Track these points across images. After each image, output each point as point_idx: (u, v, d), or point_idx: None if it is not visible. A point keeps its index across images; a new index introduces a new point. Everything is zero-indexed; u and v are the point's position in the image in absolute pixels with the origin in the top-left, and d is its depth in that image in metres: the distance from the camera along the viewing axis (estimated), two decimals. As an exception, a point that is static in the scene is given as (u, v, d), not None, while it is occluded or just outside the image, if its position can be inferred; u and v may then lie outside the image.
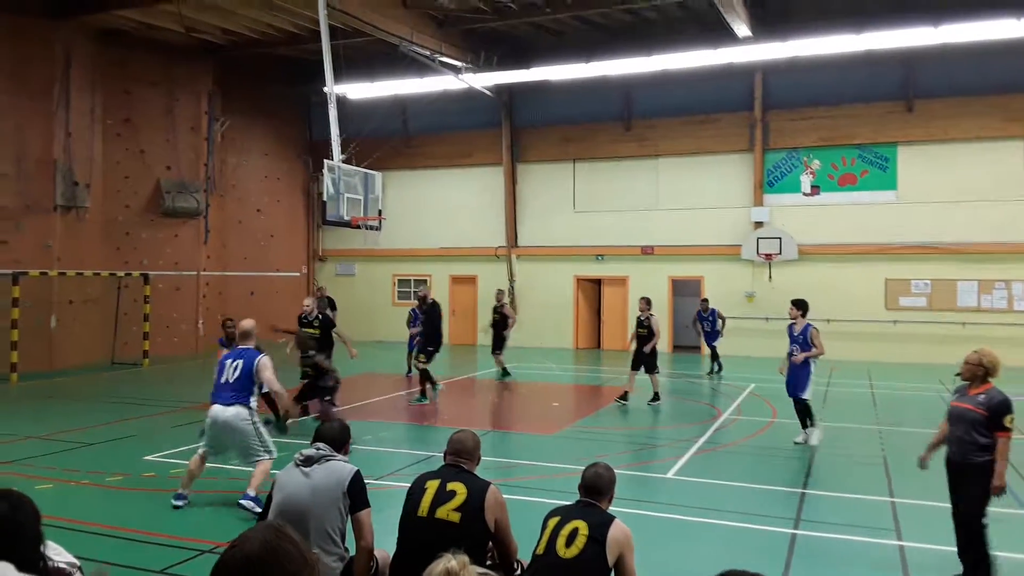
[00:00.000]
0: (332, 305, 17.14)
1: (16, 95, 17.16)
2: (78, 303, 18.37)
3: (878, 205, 19.82)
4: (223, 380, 7.32)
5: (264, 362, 7.39)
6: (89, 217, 18.82)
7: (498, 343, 16.37)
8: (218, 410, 7.29)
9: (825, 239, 20.15)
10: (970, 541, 5.51)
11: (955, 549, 5.59)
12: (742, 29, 16.91)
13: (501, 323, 16.38)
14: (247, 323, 7.79)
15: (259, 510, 6.70)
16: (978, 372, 5.60)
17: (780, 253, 20.12)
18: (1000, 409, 5.42)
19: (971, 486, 5.47)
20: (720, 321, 17.20)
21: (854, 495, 7.91)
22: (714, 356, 16.98)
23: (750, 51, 17.77)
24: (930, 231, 19.29)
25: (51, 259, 17.52)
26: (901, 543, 6.39)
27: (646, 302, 13.54)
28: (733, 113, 20.94)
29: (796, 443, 10.14)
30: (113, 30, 19.09)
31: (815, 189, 20.47)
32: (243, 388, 7.32)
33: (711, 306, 17.35)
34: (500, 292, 17.05)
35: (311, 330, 11.82)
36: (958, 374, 5.79)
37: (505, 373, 16.23)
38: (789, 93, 20.39)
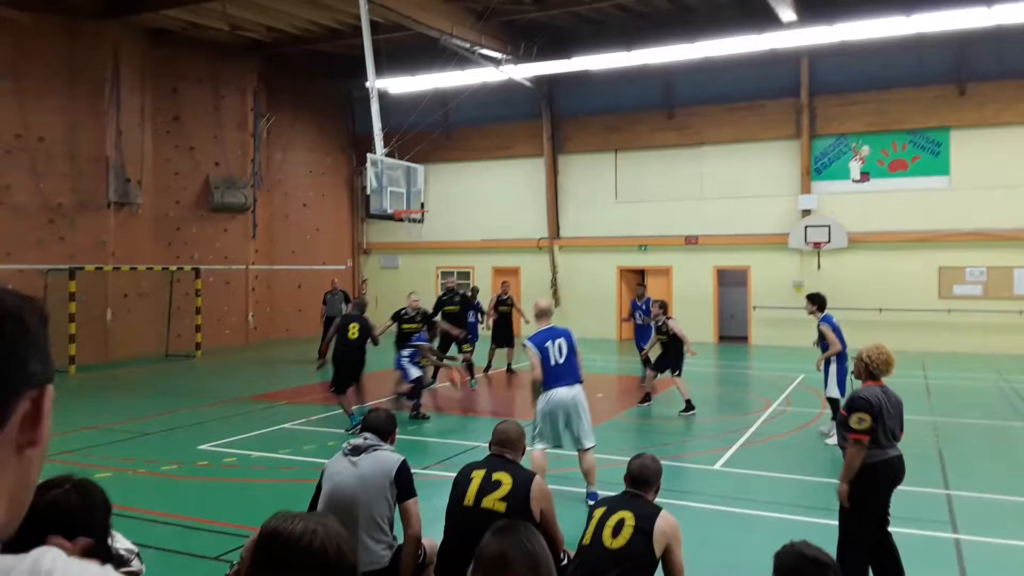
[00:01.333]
0: (347, 299, 17.39)
1: (69, 95, 17.61)
2: (132, 296, 18.86)
3: (930, 191, 19.29)
4: (553, 363, 7.08)
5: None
6: (141, 213, 19.29)
7: (507, 337, 15.53)
8: (565, 392, 7.01)
9: (876, 227, 19.68)
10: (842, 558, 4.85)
11: (1014, 543, 5.42)
12: (787, 14, 16.57)
13: (508, 317, 15.51)
14: (545, 302, 7.70)
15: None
16: (860, 368, 5.27)
17: (829, 241, 19.72)
18: (848, 405, 4.96)
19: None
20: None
21: (908, 487, 7.69)
22: (646, 363, 13.48)
23: (795, 36, 17.38)
24: (985, 217, 18.71)
25: (106, 254, 18.00)
26: (957, 536, 6.25)
27: (660, 306, 11.95)
28: (778, 99, 20.54)
29: (820, 432, 9.99)
30: (161, 29, 19.49)
31: (865, 176, 20.00)
32: (576, 365, 7.20)
33: (647, 295, 14.71)
34: (505, 283, 16.48)
35: (413, 326, 12.36)
36: (852, 371, 5.41)
37: (509, 370, 15.73)
38: (836, 78, 19.92)
